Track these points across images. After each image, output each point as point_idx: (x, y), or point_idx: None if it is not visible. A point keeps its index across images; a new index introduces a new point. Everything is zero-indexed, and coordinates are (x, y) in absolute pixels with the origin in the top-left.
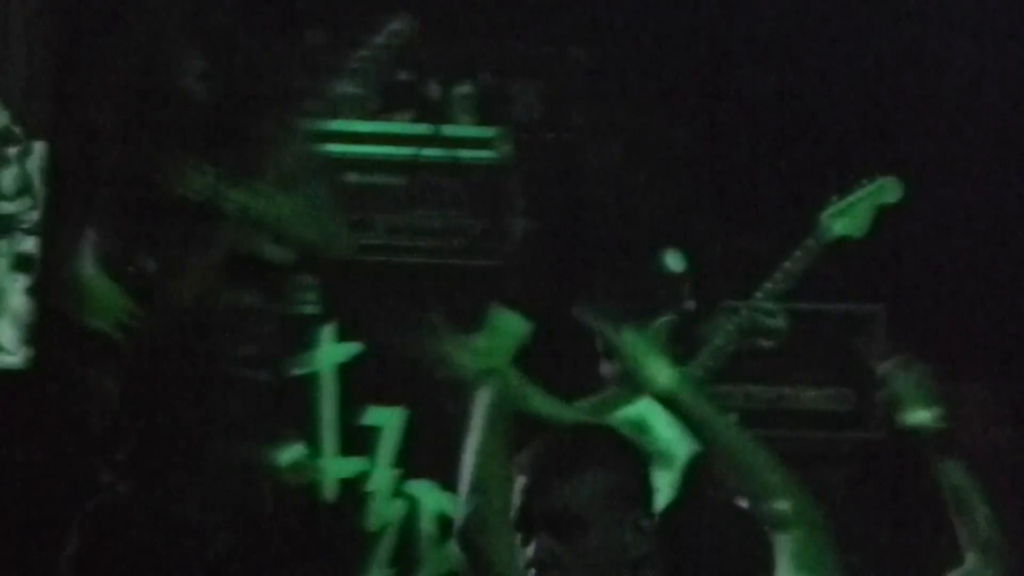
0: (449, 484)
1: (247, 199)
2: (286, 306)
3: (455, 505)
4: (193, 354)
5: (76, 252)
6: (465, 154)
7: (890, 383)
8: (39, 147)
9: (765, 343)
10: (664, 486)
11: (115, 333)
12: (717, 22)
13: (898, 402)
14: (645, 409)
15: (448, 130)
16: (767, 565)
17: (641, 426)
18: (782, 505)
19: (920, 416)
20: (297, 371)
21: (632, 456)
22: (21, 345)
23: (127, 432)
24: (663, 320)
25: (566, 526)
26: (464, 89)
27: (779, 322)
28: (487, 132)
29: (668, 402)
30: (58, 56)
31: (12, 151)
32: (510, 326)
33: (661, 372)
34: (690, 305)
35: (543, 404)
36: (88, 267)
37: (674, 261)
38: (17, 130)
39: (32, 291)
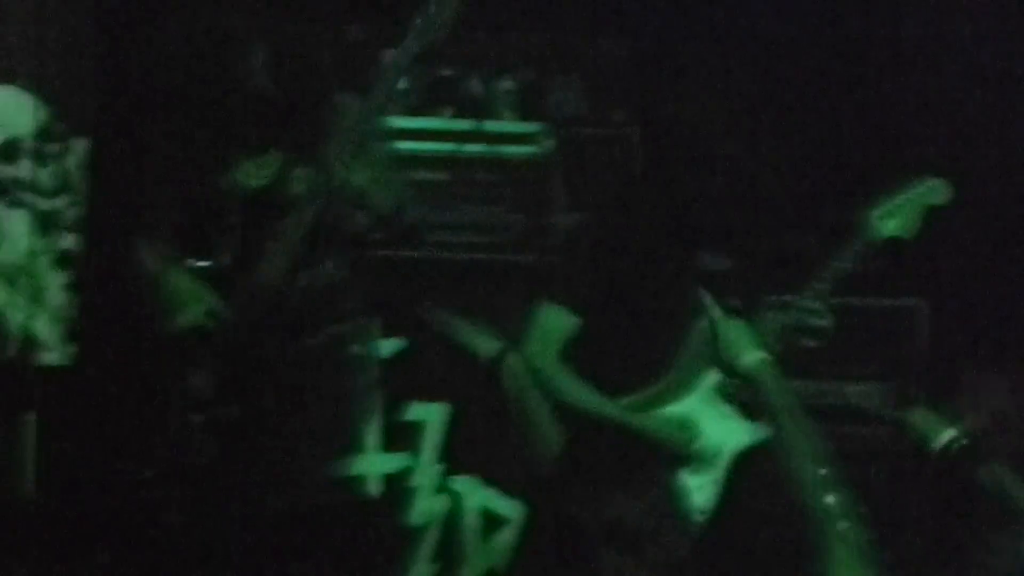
0: (492, 480)
1: (318, 176)
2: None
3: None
4: (283, 338)
5: (141, 253)
6: (507, 149)
7: (908, 425)
8: (80, 144)
9: (810, 343)
10: (708, 484)
11: (206, 328)
12: (759, 15)
13: (923, 436)
14: (691, 406)
15: (490, 126)
16: (812, 562)
17: (685, 424)
18: (831, 499)
19: (945, 436)
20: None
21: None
22: (62, 342)
23: (211, 422)
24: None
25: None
26: (506, 84)
27: (825, 322)
28: (529, 127)
29: (750, 382)
30: (99, 52)
31: (53, 148)
32: (557, 322)
33: (749, 353)
34: (735, 303)
35: (587, 400)
36: (164, 266)
37: (716, 259)
38: (58, 127)
39: (73, 288)
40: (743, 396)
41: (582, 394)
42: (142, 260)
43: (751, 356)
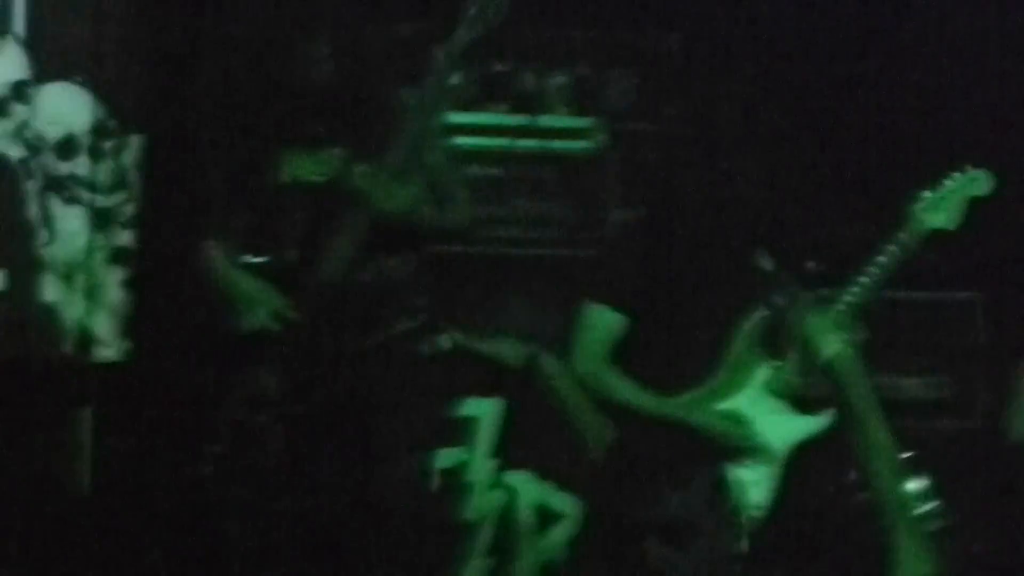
0: (547, 474)
1: (368, 183)
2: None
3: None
4: (345, 336)
5: (206, 254)
6: (560, 144)
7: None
8: (135, 140)
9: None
10: (763, 480)
11: (273, 327)
12: (811, 10)
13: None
14: (744, 403)
15: (543, 120)
16: (869, 555)
17: (738, 420)
18: (906, 488)
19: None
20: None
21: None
22: (118, 338)
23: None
24: (760, 315)
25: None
26: (559, 79)
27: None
28: (582, 122)
29: (831, 372)
30: (154, 48)
31: (108, 145)
32: (604, 322)
33: (833, 343)
34: (783, 299)
35: (640, 399)
36: (228, 268)
37: (765, 257)
38: (113, 124)
39: (129, 284)
40: (798, 391)
41: (634, 393)
42: (207, 261)
43: (833, 346)
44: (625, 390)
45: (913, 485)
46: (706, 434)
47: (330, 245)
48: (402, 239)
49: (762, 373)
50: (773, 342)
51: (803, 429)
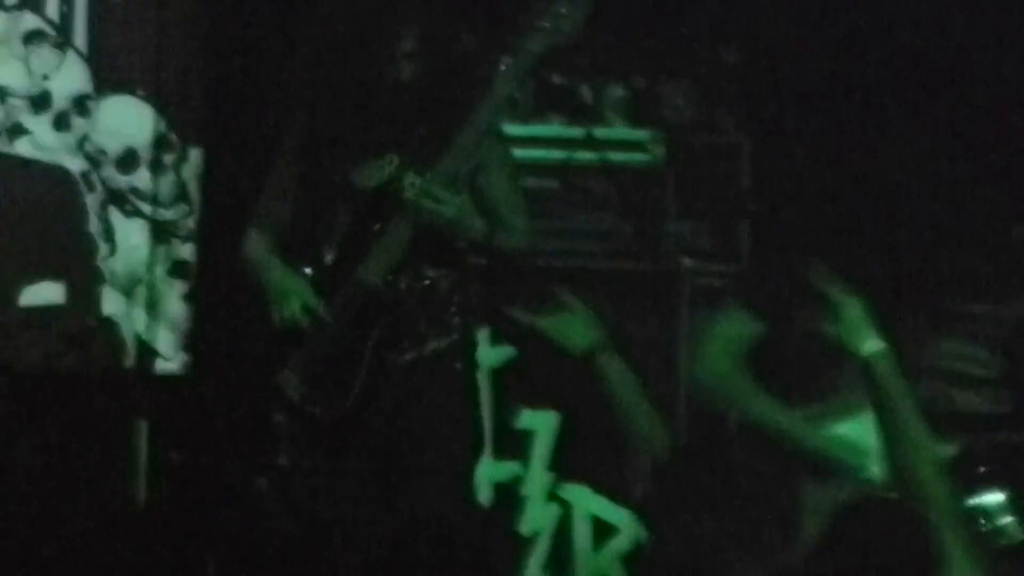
0: (603, 488)
1: (417, 192)
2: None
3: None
4: (381, 345)
5: (247, 245)
6: (617, 157)
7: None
8: (195, 153)
9: (967, 391)
10: None
11: (301, 321)
12: (871, 21)
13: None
14: (860, 428)
15: (600, 133)
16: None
17: (855, 449)
18: (952, 497)
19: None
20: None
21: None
22: (179, 351)
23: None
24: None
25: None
26: (616, 92)
27: (988, 372)
28: (639, 135)
29: (867, 371)
30: (214, 63)
31: (168, 158)
32: (739, 327)
33: (868, 341)
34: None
35: (764, 409)
36: (265, 256)
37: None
38: (173, 137)
39: (189, 298)
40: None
41: (759, 402)
42: (248, 251)
43: (871, 344)
44: (750, 398)
45: (990, 499)
46: (822, 457)
47: (373, 250)
48: (442, 252)
49: None
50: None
51: None
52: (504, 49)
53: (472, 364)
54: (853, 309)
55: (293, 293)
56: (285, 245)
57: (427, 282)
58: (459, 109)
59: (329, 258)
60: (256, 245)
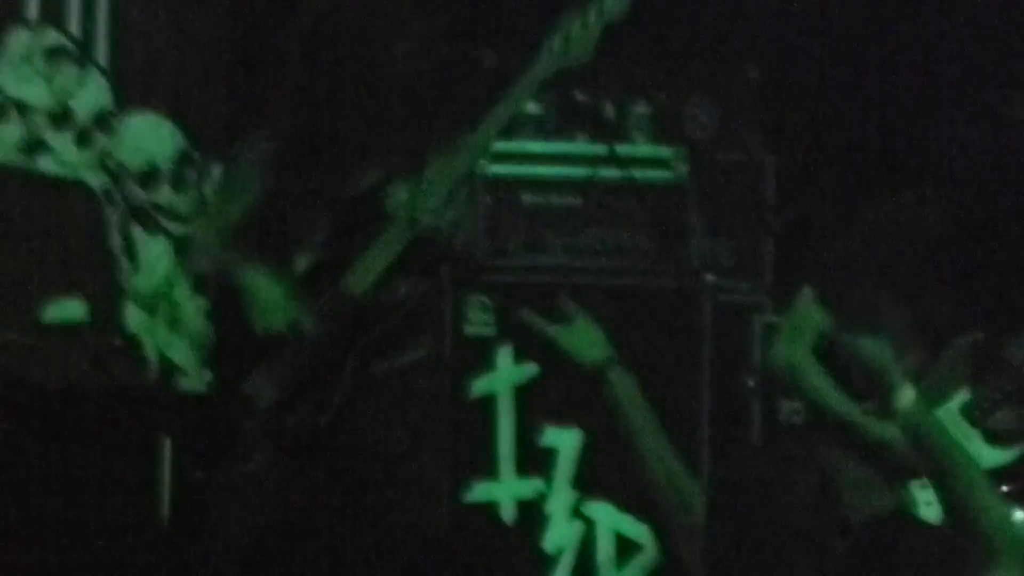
0: (627, 505)
1: (416, 206)
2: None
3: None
4: (356, 358)
5: (230, 255)
6: (641, 174)
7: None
8: (217, 170)
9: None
10: (935, 504)
11: (286, 333)
12: (895, 37)
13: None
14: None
15: (623, 150)
16: None
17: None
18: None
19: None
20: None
21: None
22: (201, 368)
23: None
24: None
25: None
26: (639, 109)
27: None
28: (663, 152)
29: (905, 423)
30: (236, 79)
31: (191, 174)
32: (816, 314)
33: (905, 396)
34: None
35: (833, 400)
36: (252, 267)
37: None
38: (195, 153)
39: (211, 315)
40: (992, 421)
41: (829, 392)
42: (231, 260)
43: (904, 397)
44: (820, 387)
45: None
46: (887, 450)
47: (359, 260)
48: (422, 264)
49: (960, 398)
50: (980, 367)
51: (991, 460)
52: (520, 67)
53: (446, 377)
54: (882, 354)
55: (276, 306)
56: (278, 258)
57: (403, 292)
58: (447, 119)
59: (304, 264)
60: (240, 254)
